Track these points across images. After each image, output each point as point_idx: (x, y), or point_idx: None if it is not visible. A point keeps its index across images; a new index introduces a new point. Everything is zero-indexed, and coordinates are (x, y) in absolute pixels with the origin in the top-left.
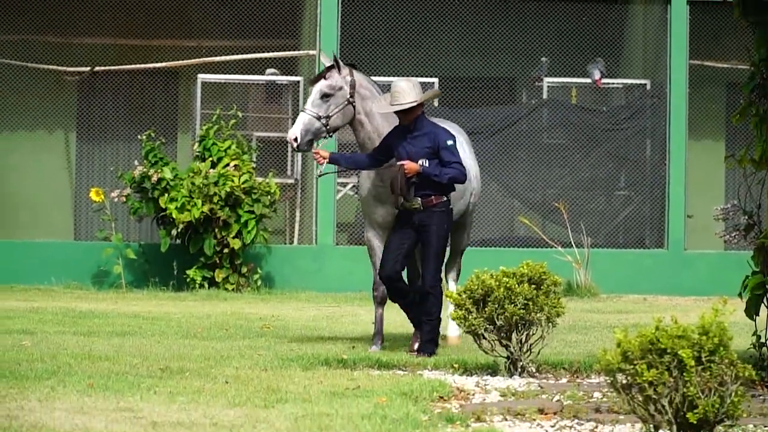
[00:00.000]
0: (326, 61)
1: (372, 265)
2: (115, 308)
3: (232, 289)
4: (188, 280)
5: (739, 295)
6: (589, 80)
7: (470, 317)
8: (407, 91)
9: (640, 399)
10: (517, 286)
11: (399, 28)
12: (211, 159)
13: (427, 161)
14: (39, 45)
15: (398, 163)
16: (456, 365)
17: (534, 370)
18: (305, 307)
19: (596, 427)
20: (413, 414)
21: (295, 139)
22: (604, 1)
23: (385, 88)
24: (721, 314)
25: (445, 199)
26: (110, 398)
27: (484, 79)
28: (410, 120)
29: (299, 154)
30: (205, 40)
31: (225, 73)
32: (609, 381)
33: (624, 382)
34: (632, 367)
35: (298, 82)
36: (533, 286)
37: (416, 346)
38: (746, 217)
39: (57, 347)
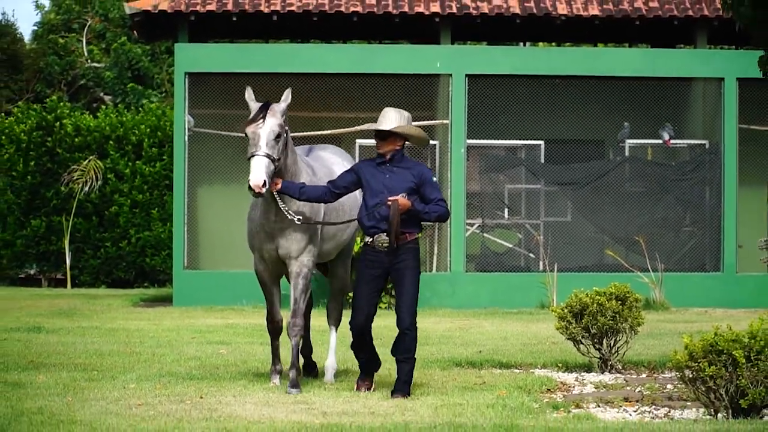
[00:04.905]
0: (252, 101)
1: (266, 299)
2: None
3: (385, 308)
4: (349, 300)
5: None
6: (660, 141)
7: (571, 327)
8: (393, 118)
9: (703, 389)
10: (606, 302)
11: (514, 101)
12: None
13: (406, 196)
14: (229, 117)
15: (390, 198)
16: (559, 365)
17: (620, 368)
18: (442, 321)
19: (669, 411)
20: (527, 403)
21: (264, 184)
22: (672, 79)
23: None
24: (767, 322)
25: (417, 235)
26: (290, 394)
27: (579, 141)
28: (388, 149)
29: None
30: (361, 112)
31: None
32: (679, 375)
33: (690, 376)
34: (696, 364)
35: (435, 145)
36: (619, 302)
37: (363, 388)
38: None
39: (248, 354)
